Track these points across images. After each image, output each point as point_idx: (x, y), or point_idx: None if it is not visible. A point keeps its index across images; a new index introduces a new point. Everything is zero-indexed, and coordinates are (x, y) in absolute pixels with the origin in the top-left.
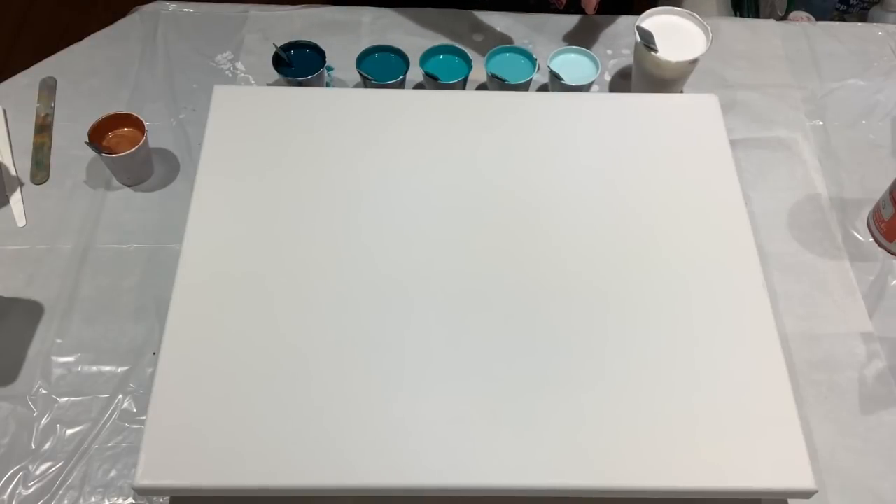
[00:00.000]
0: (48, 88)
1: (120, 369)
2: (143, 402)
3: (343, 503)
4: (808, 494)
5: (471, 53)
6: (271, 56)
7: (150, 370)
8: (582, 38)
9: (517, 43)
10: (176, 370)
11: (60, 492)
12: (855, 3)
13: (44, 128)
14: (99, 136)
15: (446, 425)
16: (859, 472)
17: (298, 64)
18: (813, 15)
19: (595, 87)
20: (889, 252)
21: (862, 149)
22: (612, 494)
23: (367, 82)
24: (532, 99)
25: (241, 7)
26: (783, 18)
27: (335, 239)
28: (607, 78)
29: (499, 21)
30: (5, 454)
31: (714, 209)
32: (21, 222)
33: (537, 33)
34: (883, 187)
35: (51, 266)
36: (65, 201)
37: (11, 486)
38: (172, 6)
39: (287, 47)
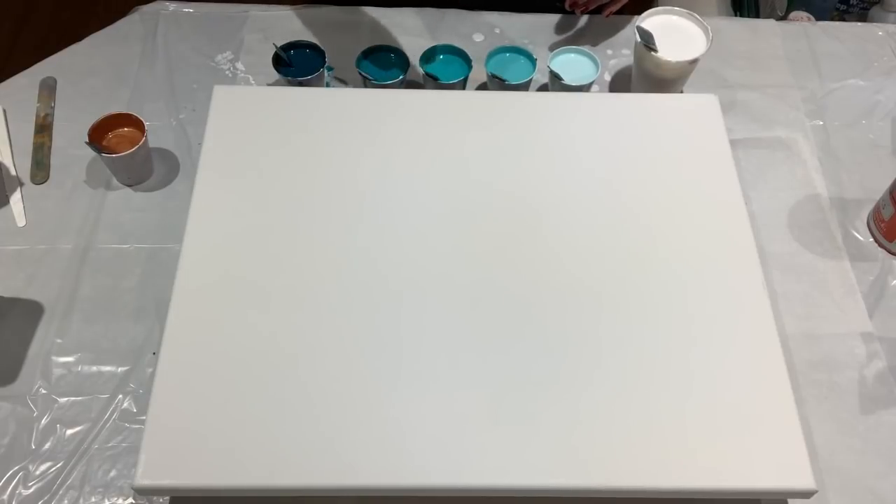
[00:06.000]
0: (48, 88)
1: (120, 369)
2: (143, 402)
3: (343, 503)
4: (808, 494)
5: (471, 53)
6: (271, 56)
7: (150, 370)
8: (582, 38)
9: (517, 43)
10: (176, 370)
11: (60, 492)
12: (855, 3)
13: (44, 128)
14: (99, 136)
15: (445, 425)
16: (859, 472)
17: (298, 64)
18: (813, 15)
19: (595, 87)
20: (889, 252)
21: (862, 149)
22: (611, 494)
23: (367, 82)
24: (532, 99)
25: (241, 7)
26: (783, 18)
27: (335, 239)
28: (607, 78)
29: (499, 21)
30: (5, 454)
31: (714, 209)
32: (21, 222)
33: (537, 33)
34: (883, 187)
35: (51, 266)
36: (65, 201)
37: (11, 486)
38: (172, 6)
39: (287, 47)
